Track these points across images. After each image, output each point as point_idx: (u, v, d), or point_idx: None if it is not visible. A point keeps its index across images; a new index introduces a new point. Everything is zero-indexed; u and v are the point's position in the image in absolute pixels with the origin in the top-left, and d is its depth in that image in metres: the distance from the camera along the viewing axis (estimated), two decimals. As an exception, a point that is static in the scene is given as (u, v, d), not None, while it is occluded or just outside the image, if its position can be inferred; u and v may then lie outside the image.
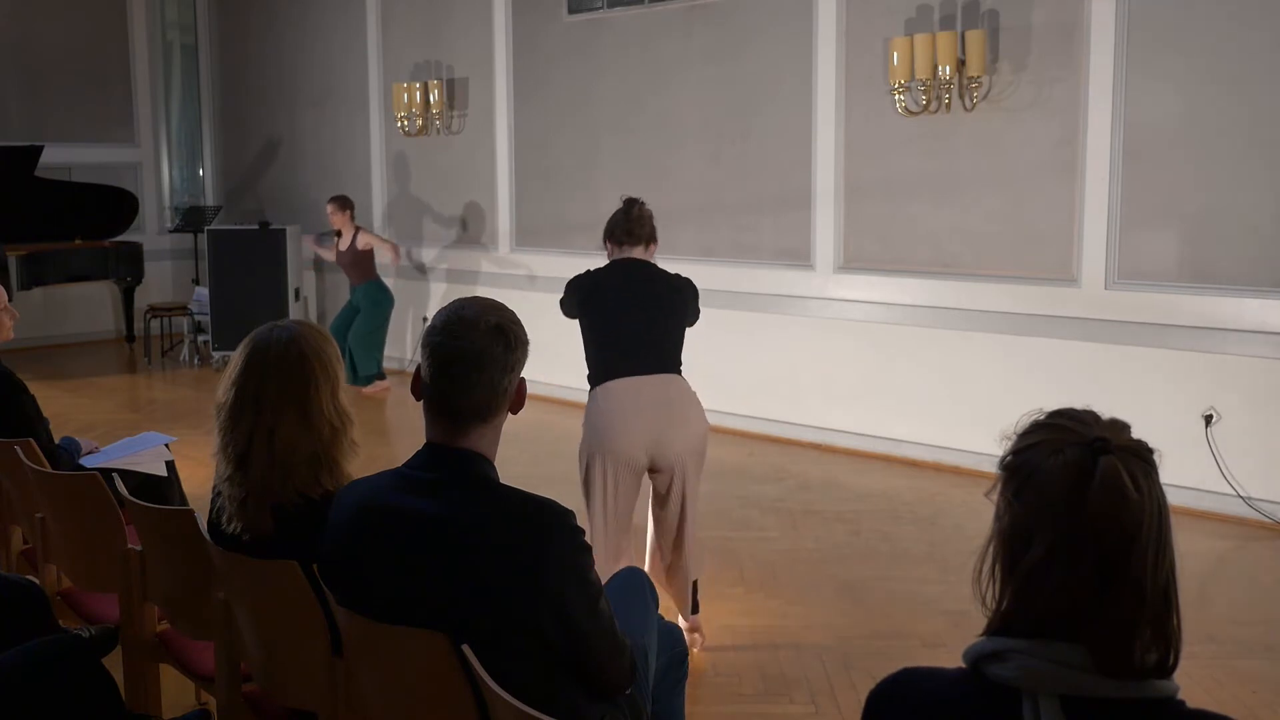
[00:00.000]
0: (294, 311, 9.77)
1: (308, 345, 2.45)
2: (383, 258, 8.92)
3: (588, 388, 4.06)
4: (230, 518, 2.48)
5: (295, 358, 2.43)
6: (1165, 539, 1.37)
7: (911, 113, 6.42)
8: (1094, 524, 1.35)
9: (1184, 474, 5.50)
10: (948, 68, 6.18)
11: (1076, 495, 1.36)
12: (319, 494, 2.42)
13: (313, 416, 2.42)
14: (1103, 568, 1.35)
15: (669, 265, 7.77)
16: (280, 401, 2.42)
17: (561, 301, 4.20)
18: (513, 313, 2.17)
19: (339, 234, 8.82)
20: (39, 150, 9.61)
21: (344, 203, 8.78)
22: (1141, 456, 1.39)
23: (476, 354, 2.08)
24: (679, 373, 4.02)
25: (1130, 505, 1.35)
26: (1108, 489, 1.35)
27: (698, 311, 4.19)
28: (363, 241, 8.72)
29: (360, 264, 8.77)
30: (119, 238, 10.26)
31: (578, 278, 4.19)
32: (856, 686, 3.74)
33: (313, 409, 2.42)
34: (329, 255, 9.13)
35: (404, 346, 9.66)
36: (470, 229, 9.21)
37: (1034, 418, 1.46)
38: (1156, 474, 1.39)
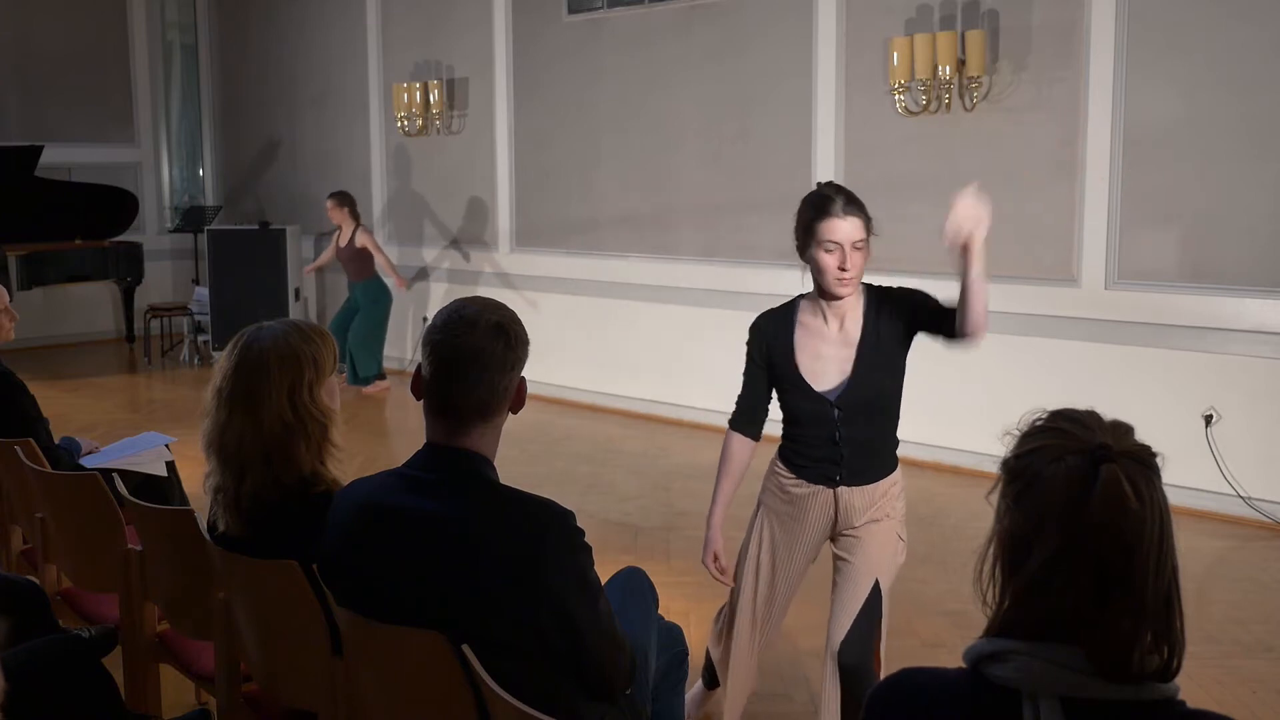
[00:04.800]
0: (294, 311, 9.77)
1: (274, 343, 2.45)
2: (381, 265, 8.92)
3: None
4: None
5: (252, 356, 2.44)
6: (1167, 546, 1.36)
7: (911, 113, 6.42)
8: (1094, 534, 1.34)
9: (1184, 474, 5.50)
10: (948, 68, 6.18)
11: (1077, 505, 1.35)
12: (285, 493, 2.42)
13: (260, 414, 2.41)
14: (1103, 577, 1.35)
15: (670, 266, 7.83)
16: (232, 399, 2.44)
17: None
18: (513, 312, 2.17)
19: (339, 229, 8.83)
20: (39, 150, 9.60)
21: (343, 199, 8.79)
22: (1144, 462, 1.38)
23: (477, 352, 2.08)
24: None
25: (1131, 515, 1.34)
26: (1108, 499, 1.34)
27: None
28: (361, 240, 8.72)
29: (359, 260, 8.78)
30: (119, 238, 10.26)
31: None
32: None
33: (261, 406, 2.41)
34: (328, 255, 9.13)
35: (404, 346, 9.66)
36: (470, 229, 9.21)
37: (1036, 418, 1.45)
38: (1159, 479, 1.39)
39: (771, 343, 3.08)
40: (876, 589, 3.02)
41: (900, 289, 3.06)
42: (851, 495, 3.06)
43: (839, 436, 3.01)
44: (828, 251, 2.92)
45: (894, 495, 3.10)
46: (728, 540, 3.25)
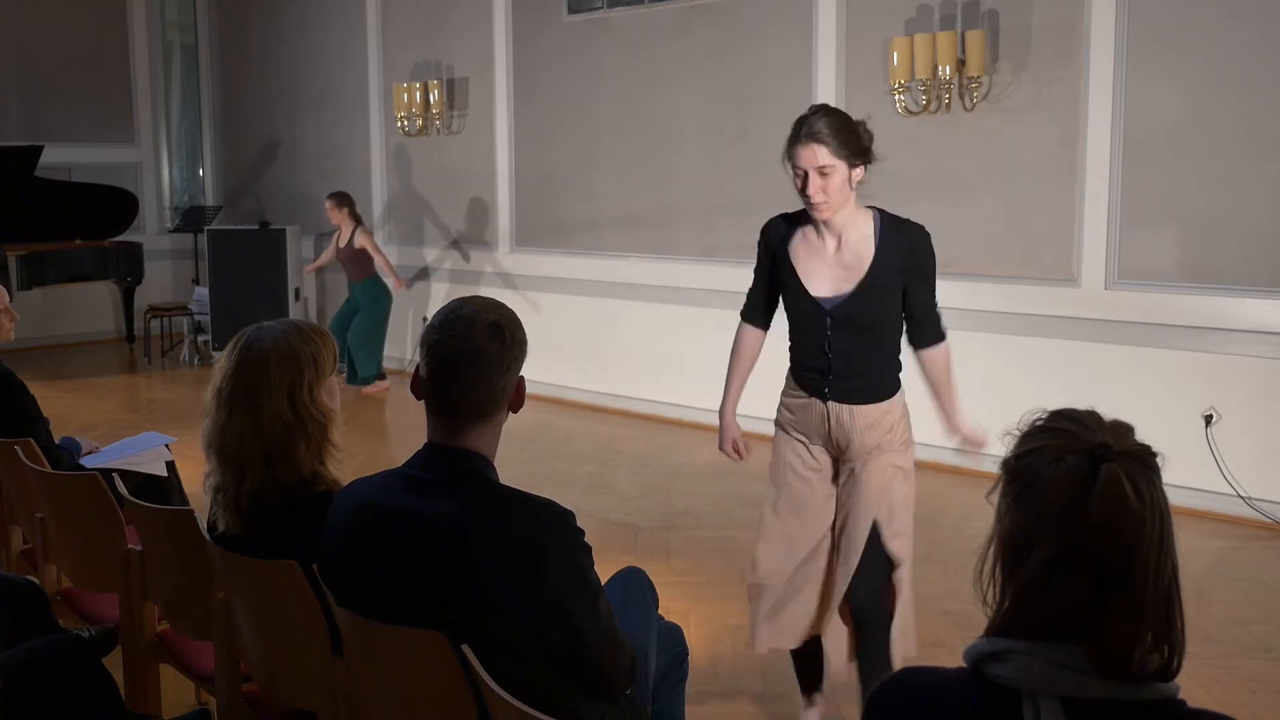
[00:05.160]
0: (294, 311, 9.77)
1: (274, 343, 2.45)
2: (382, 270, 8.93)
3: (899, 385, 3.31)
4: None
5: (252, 356, 2.44)
6: (1167, 546, 1.36)
7: (911, 113, 6.42)
8: (1095, 534, 1.34)
9: (1184, 474, 5.50)
10: (948, 68, 6.18)
11: (1077, 505, 1.35)
12: (285, 493, 2.42)
13: (260, 414, 2.41)
14: (1103, 577, 1.35)
15: (670, 266, 7.83)
16: (232, 399, 2.44)
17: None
18: (511, 311, 2.18)
19: (339, 229, 8.83)
20: (39, 150, 9.60)
21: (342, 199, 8.79)
22: (1144, 462, 1.38)
23: (473, 352, 2.08)
24: None
25: (1131, 515, 1.34)
26: (1109, 499, 1.34)
27: None
28: (360, 241, 8.72)
29: (358, 261, 8.78)
30: (119, 238, 10.26)
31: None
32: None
33: (261, 407, 2.41)
34: (328, 255, 9.13)
35: (404, 346, 9.66)
36: (470, 229, 9.21)
37: (1036, 418, 1.45)
38: (1159, 479, 1.39)
39: (775, 246, 3.18)
40: (874, 529, 3.08)
41: (913, 236, 3.08)
42: (841, 412, 3.11)
43: (829, 345, 3.09)
44: (795, 175, 3.01)
45: (889, 425, 3.12)
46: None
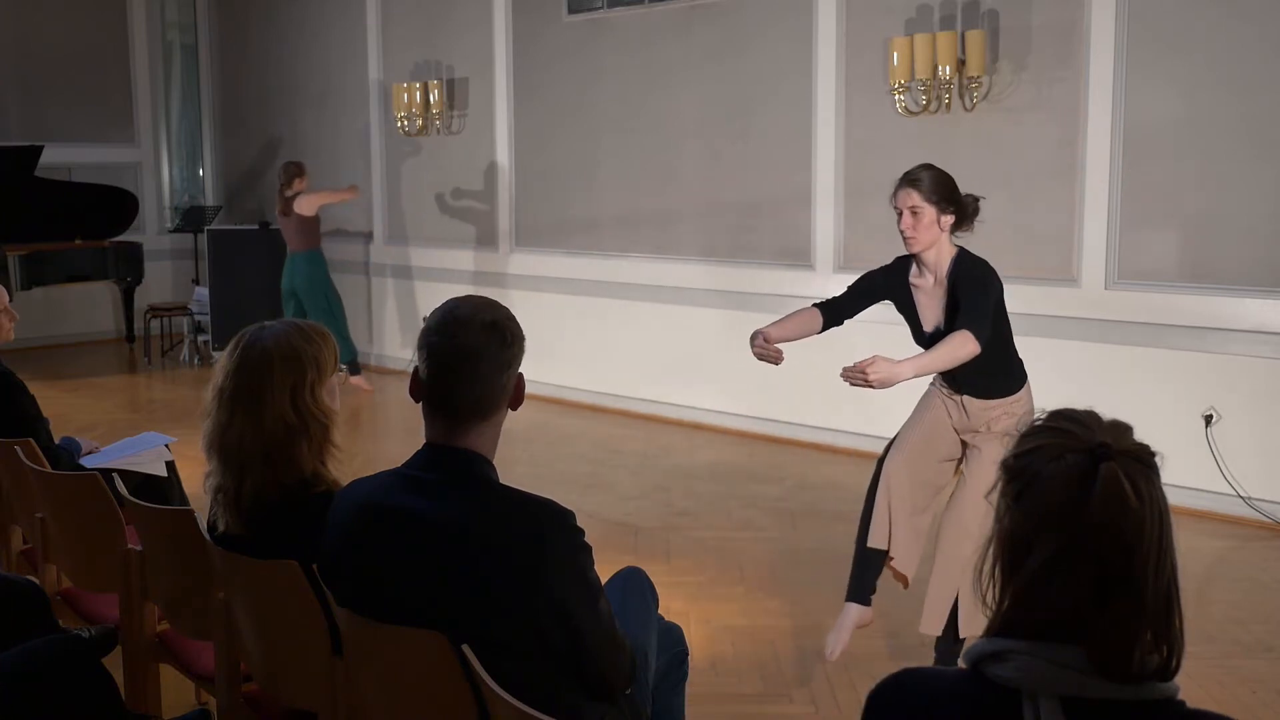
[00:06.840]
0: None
1: (276, 343, 2.45)
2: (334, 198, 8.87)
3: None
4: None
5: (254, 356, 2.44)
6: (1167, 545, 1.36)
7: (911, 113, 6.42)
8: (1094, 533, 1.34)
9: (1184, 474, 5.50)
10: (948, 68, 6.18)
11: (1077, 504, 1.35)
12: (285, 493, 2.42)
13: (263, 415, 2.41)
14: (1103, 576, 1.35)
15: (670, 266, 7.83)
16: (234, 399, 2.44)
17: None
18: (507, 309, 2.18)
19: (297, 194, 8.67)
20: (39, 150, 9.60)
21: (302, 168, 8.73)
22: (1143, 461, 1.38)
23: (472, 351, 2.08)
24: None
25: (1131, 514, 1.34)
26: (1108, 497, 1.34)
27: None
28: (308, 206, 8.61)
29: (304, 230, 8.68)
30: (119, 238, 10.26)
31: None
32: (856, 686, 3.74)
33: (263, 407, 2.41)
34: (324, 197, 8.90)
35: (401, 346, 9.66)
36: (470, 229, 9.21)
37: (1035, 418, 1.46)
38: (1158, 478, 1.39)
39: (896, 281, 3.68)
40: (960, 548, 3.62)
41: (972, 273, 3.50)
42: (971, 403, 3.65)
43: None
44: (896, 214, 3.54)
45: (1013, 413, 3.59)
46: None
